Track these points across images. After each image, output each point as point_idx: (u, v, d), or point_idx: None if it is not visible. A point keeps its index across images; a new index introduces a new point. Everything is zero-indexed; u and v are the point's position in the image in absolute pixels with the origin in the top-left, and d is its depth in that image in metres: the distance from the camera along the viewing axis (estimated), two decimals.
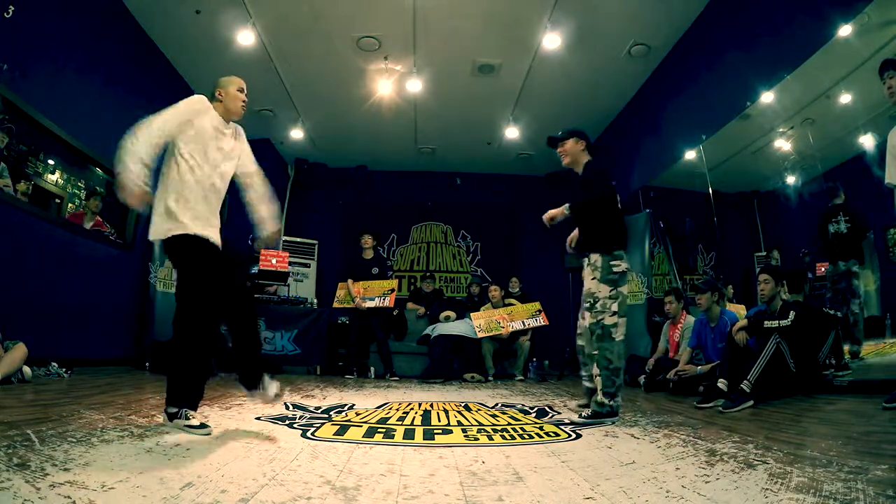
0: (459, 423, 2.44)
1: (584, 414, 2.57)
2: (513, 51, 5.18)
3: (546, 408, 3.01)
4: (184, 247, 1.99)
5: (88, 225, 4.46)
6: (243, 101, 2.17)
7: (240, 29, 4.68)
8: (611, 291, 2.56)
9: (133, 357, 4.71)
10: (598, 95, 5.97)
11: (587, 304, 2.60)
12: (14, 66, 3.47)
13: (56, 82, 3.91)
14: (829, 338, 3.41)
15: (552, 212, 2.83)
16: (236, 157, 2.24)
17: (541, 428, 2.34)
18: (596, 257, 2.60)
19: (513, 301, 5.78)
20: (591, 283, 2.60)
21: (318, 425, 2.24)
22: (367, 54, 5.22)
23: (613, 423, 2.46)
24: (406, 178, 8.30)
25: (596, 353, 2.55)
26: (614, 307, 2.54)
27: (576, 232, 2.91)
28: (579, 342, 2.84)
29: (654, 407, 3.09)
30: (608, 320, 2.54)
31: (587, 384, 2.80)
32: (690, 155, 5.02)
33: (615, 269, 2.56)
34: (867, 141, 3.81)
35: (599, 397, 2.51)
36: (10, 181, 3.67)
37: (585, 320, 2.60)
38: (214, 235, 2.09)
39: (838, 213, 3.86)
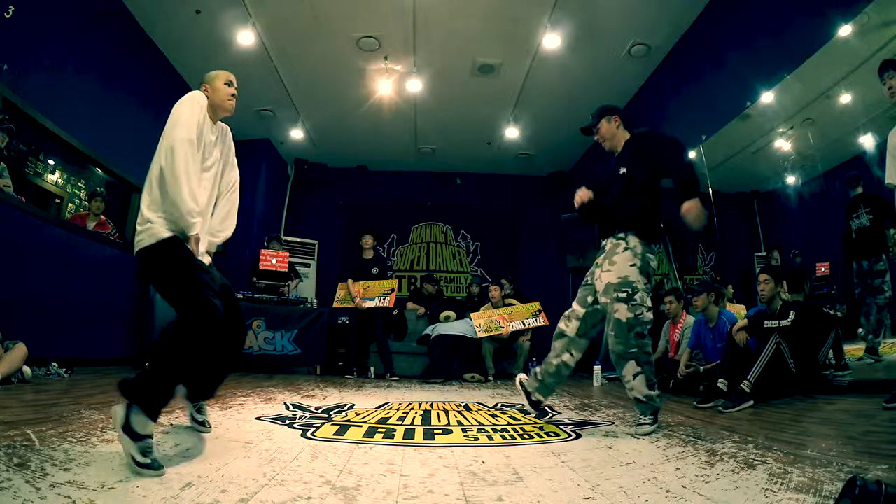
0: (459, 423, 2.44)
1: (647, 420, 2.19)
2: (513, 51, 5.18)
3: (546, 408, 3.01)
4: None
5: (91, 225, 4.47)
6: (232, 95, 1.98)
7: (240, 29, 4.69)
8: (646, 284, 2.26)
9: (133, 357, 4.71)
10: (598, 95, 5.95)
11: (622, 295, 2.20)
12: (14, 66, 3.47)
13: (56, 82, 3.91)
14: (829, 338, 3.41)
15: (585, 193, 2.44)
16: (218, 168, 1.98)
17: (541, 428, 2.33)
18: (635, 242, 2.28)
19: (513, 301, 5.78)
20: (629, 269, 2.23)
21: (318, 425, 2.24)
22: (367, 54, 5.22)
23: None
24: (406, 178, 8.30)
25: (634, 350, 2.21)
26: (648, 301, 2.25)
27: (584, 194, 2.47)
28: (561, 325, 2.44)
29: None
30: (647, 316, 2.23)
31: (546, 375, 2.43)
32: (690, 155, 5.02)
33: (651, 263, 2.30)
34: (867, 141, 3.80)
35: (647, 394, 2.20)
36: (10, 181, 3.67)
37: (620, 315, 2.21)
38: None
39: (859, 206, 3.58)
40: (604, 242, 2.42)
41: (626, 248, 2.28)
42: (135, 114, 4.94)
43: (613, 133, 2.51)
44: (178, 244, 1.70)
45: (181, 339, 1.58)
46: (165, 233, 1.68)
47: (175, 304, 1.66)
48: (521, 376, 2.63)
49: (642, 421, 2.20)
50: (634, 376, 2.22)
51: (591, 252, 5.48)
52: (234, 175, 2.08)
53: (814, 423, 2.38)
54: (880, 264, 3.52)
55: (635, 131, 2.53)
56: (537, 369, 2.53)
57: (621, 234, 2.31)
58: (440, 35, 4.97)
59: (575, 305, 2.45)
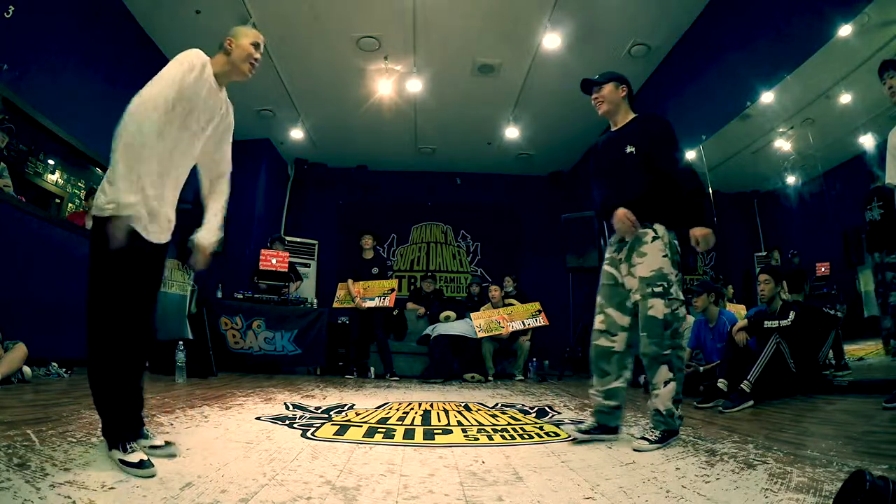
0: (459, 423, 2.44)
1: (653, 437, 1.93)
2: (513, 51, 5.18)
3: (546, 408, 3.01)
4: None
5: (90, 223, 4.46)
6: (255, 60, 1.76)
7: None
8: (678, 275, 2.06)
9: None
10: None
11: (658, 290, 2.00)
12: (14, 66, 3.47)
13: (56, 82, 3.91)
14: (829, 338, 3.41)
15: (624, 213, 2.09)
16: (208, 138, 1.76)
17: (541, 428, 2.34)
18: (663, 230, 2.07)
19: (513, 301, 5.78)
20: (662, 261, 2.03)
21: (318, 425, 2.24)
22: (367, 54, 5.22)
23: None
24: (406, 178, 8.30)
25: (668, 352, 1.99)
26: (680, 294, 2.05)
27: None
28: (604, 343, 2.13)
29: None
30: (681, 311, 2.03)
31: (607, 399, 2.10)
32: (690, 155, 5.01)
33: (679, 252, 2.09)
34: (867, 141, 3.80)
35: (668, 407, 1.97)
36: (10, 181, 3.67)
37: (656, 312, 2.00)
38: (154, 228, 1.64)
39: (873, 198, 3.48)
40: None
41: (654, 238, 2.06)
42: None
43: (617, 101, 2.32)
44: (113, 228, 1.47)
45: (90, 354, 1.49)
46: (107, 209, 1.48)
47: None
48: (585, 424, 2.16)
49: (646, 435, 1.95)
50: (665, 383, 1.99)
51: (591, 252, 5.47)
52: (226, 166, 1.85)
53: (814, 423, 2.38)
54: (892, 257, 3.39)
55: (648, 113, 2.33)
56: (607, 402, 2.12)
57: (646, 223, 2.08)
58: (440, 35, 4.97)
59: (613, 314, 2.15)
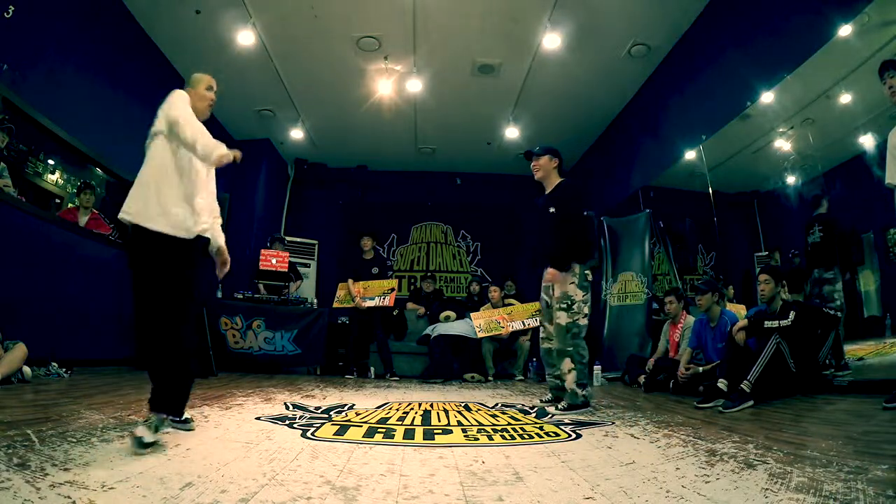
0: (459, 423, 2.44)
1: (560, 406, 2.85)
2: (513, 51, 5.18)
3: (546, 408, 3.01)
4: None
5: (83, 220, 4.42)
6: (211, 101, 2.10)
7: (240, 29, 4.68)
8: (584, 296, 2.89)
9: (133, 357, 4.70)
10: (598, 95, 5.97)
11: (563, 306, 2.89)
12: (14, 66, 3.47)
13: (56, 82, 3.91)
14: (829, 338, 3.41)
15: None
16: None
17: (541, 428, 2.34)
18: (578, 268, 2.93)
19: (513, 301, 5.78)
20: (568, 287, 2.89)
21: (318, 425, 2.24)
22: (367, 54, 5.22)
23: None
24: (406, 178, 8.30)
25: (570, 349, 2.86)
26: (586, 309, 2.88)
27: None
28: (546, 345, 3.14)
29: (654, 407, 3.09)
30: (582, 321, 2.88)
31: (556, 381, 3.08)
32: (690, 155, 5.01)
33: (588, 278, 2.93)
34: (867, 141, 3.80)
35: (573, 388, 2.81)
36: (10, 181, 3.67)
37: (561, 321, 2.89)
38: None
39: (814, 224, 4.00)
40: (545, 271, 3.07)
41: (565, 272, 2.92)
42: (135, 113, 4.93)
43: (549, 170, 3.12)
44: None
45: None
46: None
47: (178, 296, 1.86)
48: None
49: (560, 405, 2.85)
50: (569, 371, 2.85)
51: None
52: None
53: (814, 423, 2.38)
54: (829, 273, 3.85)
55: (566, 180, 3.12)
56: (556, 381, 3.04)
57: (566, 267, 2.92)
58: (440, 35, 4.97)
59: (548, 326, 3.12)
